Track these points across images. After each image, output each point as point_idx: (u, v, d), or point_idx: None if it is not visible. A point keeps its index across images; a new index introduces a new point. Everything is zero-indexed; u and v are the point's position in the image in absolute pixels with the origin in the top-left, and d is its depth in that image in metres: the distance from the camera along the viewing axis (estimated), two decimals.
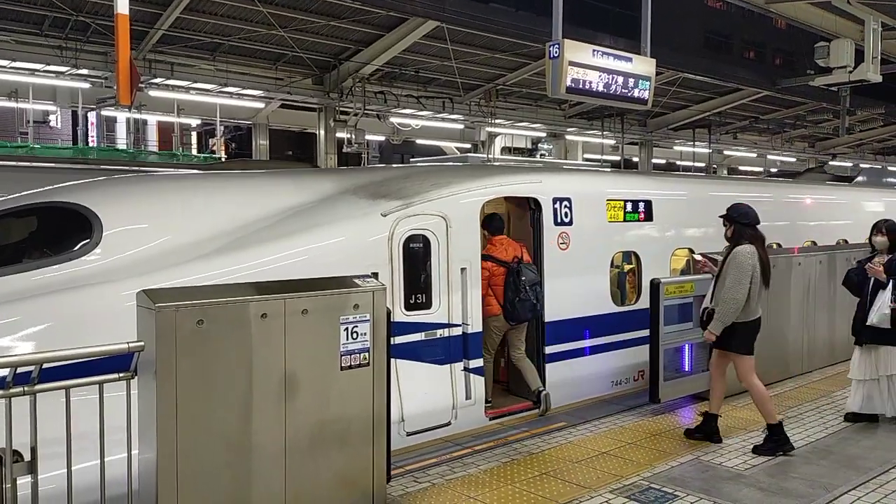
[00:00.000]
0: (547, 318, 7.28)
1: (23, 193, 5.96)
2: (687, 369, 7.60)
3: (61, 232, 5.58)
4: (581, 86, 7.79)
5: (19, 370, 3.45)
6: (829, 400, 7.20)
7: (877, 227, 6.52)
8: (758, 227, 5.91)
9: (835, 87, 13.67)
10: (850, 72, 12.26)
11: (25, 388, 3.47)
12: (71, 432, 3.55)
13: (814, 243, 10.86)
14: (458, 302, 6.59)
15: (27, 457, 3.52)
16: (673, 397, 6.98)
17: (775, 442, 5.65)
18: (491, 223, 7.10)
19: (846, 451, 5.71)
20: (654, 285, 6.87)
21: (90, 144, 18.29)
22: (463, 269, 6.63)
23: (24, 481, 3.54)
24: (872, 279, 6.27)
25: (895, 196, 14.81)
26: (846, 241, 11.74)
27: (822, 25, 13.52)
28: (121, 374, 3.76)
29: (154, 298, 3.66)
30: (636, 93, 8.35)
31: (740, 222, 5.87)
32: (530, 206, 7.44)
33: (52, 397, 3.54)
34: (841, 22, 13.27)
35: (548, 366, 7.30)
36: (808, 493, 4.88)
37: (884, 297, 6.13)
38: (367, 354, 4.32)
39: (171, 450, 3.64)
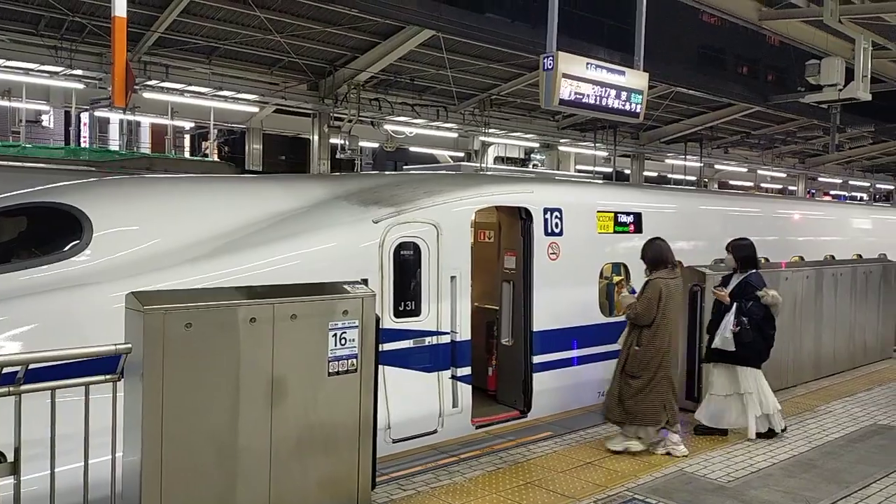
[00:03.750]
0: (535, 328, 7.31)
1: (13, 193, 5.95)
2: None
3: (51, 232, 5.57)
4: (574, 98, 7.85)
5: (4, 370, 3.44)
6: (813, 414, 7.26)
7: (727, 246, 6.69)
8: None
9: (825, 104, 13.80)
10: (840, 90, 12.38)
11: (10, 389, 3.46)
12: (55, 434, 3.54)
13: (801, 258, 10.94)
14: (447, 310, 6.60)
15: (10, 458, 3.51)
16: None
17: None
18: None
19: (829, 464, 5.76)
20: (694, 293, 6.96)
21: (82, 145, 18.23)
22: (453, 278, 6.65)
23: (6, 482, 3.53)
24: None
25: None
26: (833, 257, 11.85)
27: (814, 43, 13.69)
28: (107, 376, 3.76)
29: (142, 301, 3.66)
30: (629, 106, 8.42)
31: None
32: (521, 216, 7.48)
33: (37, 398, 3.53)
34: (832, 40, 13.44)
35: (535, 375, 7.32)
36: None
37: (727, 321, 6.22)
38: (354, 361, 4.33)
39: (155, 453, 3.63)
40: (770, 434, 6.36)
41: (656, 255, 6.12)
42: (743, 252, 6.54)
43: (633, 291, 6.16)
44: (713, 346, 6.34)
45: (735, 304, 6.24)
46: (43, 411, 3.54)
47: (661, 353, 5.84)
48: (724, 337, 6.20)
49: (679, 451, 5.89)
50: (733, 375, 6.34)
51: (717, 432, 6.42)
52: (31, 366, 3.54)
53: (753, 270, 6.46)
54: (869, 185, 38.67)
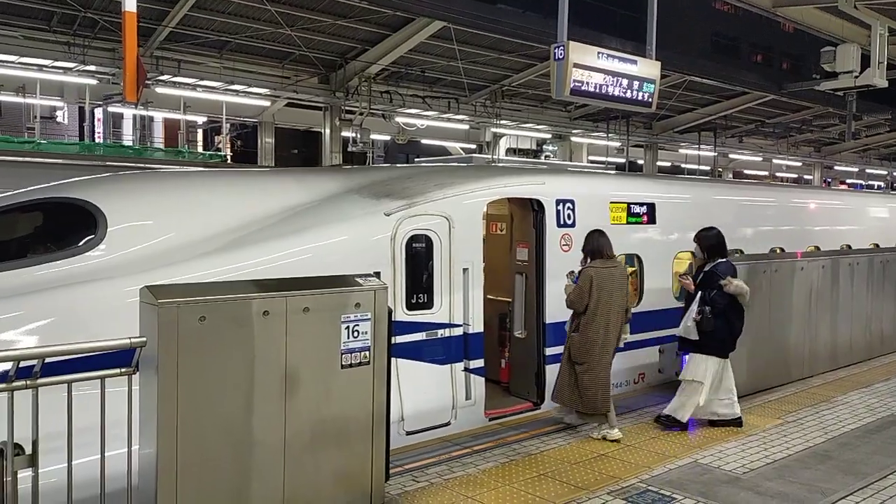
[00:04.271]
0: (548, 320, 7.29)
1: (29, 189, 6.00)
2: None
3: (66, 227, 5.61)
4: (585, 88, 7.79)
5: (22, 364, 3.48)
6: (830, 405, 7.20)
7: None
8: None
9: (841, 91, 13.63)
10: (856, 77, 12.22)
11: (28, 382, 3.49)
12: (72, 427, 3.57)
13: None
14: (460, 302, 6.60)
15: (28, 450, 3.55)
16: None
17: None
18: None
19: (845, 455, 5.72)
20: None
21: (96, 140, 18.36)
22: (465, 270, 6.64)
23: (24, 475, 3.57)
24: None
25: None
26: (849, 247, 11.73)
27: (829, 30, 13.50)
28: (122, 370, 3.79)
29: (157, 294, 3.68)
30: (641, 95, 8.35)
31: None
32: (533, 208, 7.45)
33: (54, 392, 3.57)
34: (848, 26, 13.24)
35: (548, 367, 7.31)
36: (806, 498, 4.88)
37: (691, 309, 6.27)
38: (367, 353, 4.34)
39: (171, 445, 3.66)
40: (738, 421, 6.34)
41: (593, 247, 6.36)
42: (708, 241, 6.56)
43: (576, 281, 6.31)
44: (677, 333, 6.41)
45: (699, 293, 6.28)
46: (60, 405, 3.57)
47: (598, 338, 6.09)
48: (687, 325, 6.29)
49: (613, 434, 6.04)
50: (704, 364, 6.32)
51: (727, 423, 6.37)
52: (48, 360, 3.58)
53: (722, 260, 6.44)
54: (886, 173, 38.22)
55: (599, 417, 6.13)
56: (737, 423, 6.38)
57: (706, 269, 6.45)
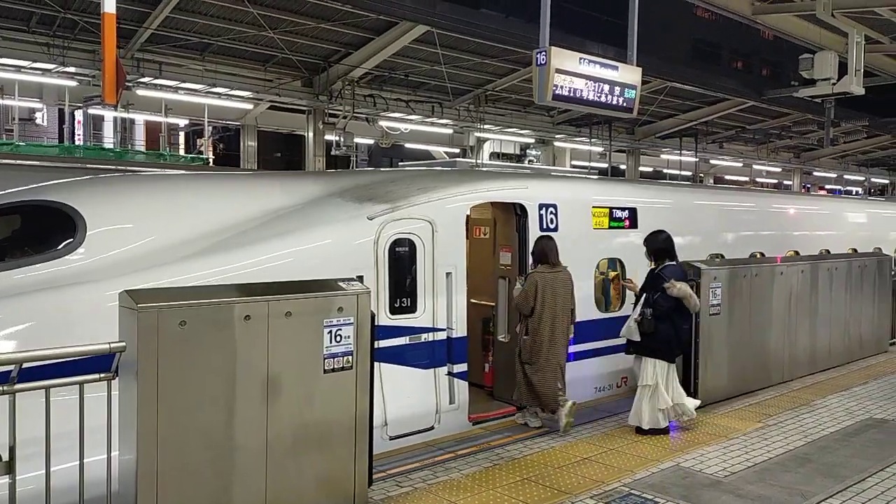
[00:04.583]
0: None
1: (6, 192, 5.91)
2: None
3: (45, 231, 5.54)
4: (567, 93, 7.82)
5: None
6: (809, 409, 7.28)
7: None
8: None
9: (819, 98, 13.82)
10: (834, 84, 12.40)
11: (5, 388, 3.44)
12: (51, 433, 3.52)
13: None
14: (443, 306, 6.60)
15: (5, 457, 3.49)
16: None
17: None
18: None
19: (824, 459, 5.77)
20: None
21: (76, 143, 18.14)
22: (448, 274, 6.64)
23: (1, 482, 3.51)
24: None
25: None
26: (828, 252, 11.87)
27: (808, 37, 13.69)
28: (102, 375, 3.74)
29: (136, 299, 3.64)
30: (622, 101, 8.40)
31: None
32: (516, 212, 7.47)
33: (32, 397, 3.51)
34: (825, 34, 13.44)
35: None
36: (786, 501, 4.92)
37: (635, 311, 6.38)
38: (350, 358, 4.33)
39: (151, 451, 3.62)
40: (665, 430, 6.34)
41: (539, 253, 6.64)
42: (655, 245, 6.62)
43: (524, 285, 6.58)
44: (620, 334, 6.50)
45: (643, 295, 6.36)
46: (38, 410, 3.52)
47: (545, 339, 6.40)
48: (629, 326, 6.37)
49: (533, 423, 6.52)
50: (648, 367, 6.36)
51: (654, 432, 6.30)
52: (26, 365, 3.53)
53: (670, 263, 6.49)
54: (864, 179, 38.77)
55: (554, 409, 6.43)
56: (663, 431, 6.35)
57: (653, 271, 6.54)
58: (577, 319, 7.84)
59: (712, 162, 30.75)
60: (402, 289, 6.38)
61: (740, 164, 31.44)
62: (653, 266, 6.62)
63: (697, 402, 6.57)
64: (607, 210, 8.34)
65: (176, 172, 9.98)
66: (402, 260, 6.38)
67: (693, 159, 27.30)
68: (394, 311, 6.30)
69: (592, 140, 23.52)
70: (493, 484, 5.11)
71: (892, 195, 36.62)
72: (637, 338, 6.28)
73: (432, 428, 6.42)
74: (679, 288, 6.23)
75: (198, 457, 3.79)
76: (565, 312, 6.53)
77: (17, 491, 3.50)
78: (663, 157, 28.04)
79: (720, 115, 23.86)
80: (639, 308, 6.34)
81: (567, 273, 6.68)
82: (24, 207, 5.69)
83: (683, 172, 28.76)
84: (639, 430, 6.33)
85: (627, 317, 7.62)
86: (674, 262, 6.52)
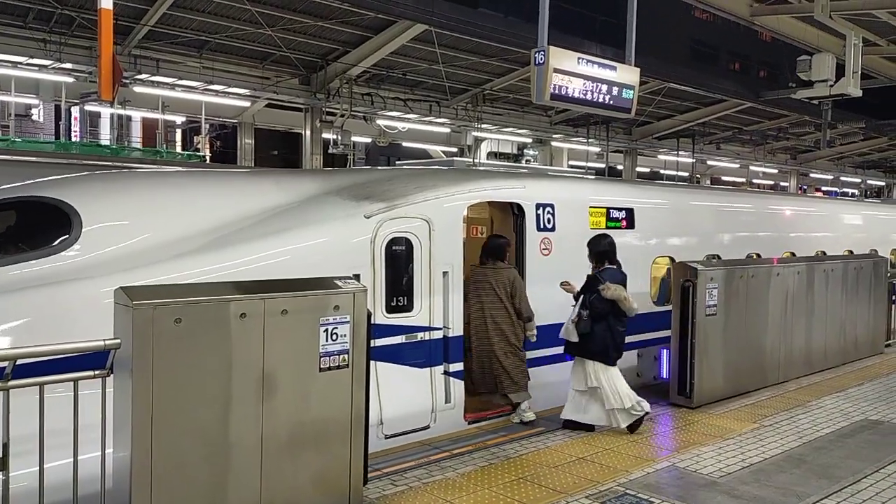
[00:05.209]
0: None
1: (2, 188, 5.89)
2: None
3: (40, 227, 5.52)
4: (565, 93, 7.82)
5: None
6: (805, 409, 7.29)
7: None
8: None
9: (816, 100, 13.84)
10: (831, 86, 12.42)
11: None
12: (44, 429, 3.51)
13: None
14: (440, 305, 6.59)
15: None
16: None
17: None
18: None
19: (819, 460, 5.78)
20: (686, 289, 7.04)
21: (73, 139, 18.09)
22: (445, 273, 6.63)
23: None
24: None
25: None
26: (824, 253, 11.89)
27: (805, 39, 13.73)
28: (96, 372, 3.73)
29: (132, 296, 3.63)
30: (620, 101, 8.39)
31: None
32: (513, 212, 7.47)
33: (26, 394, 3.50)
34: (823, 36, 13.48)
35: (529, 370, 7.31)
36: (781, 502, 4.93)
37: (573, 312, 6.46)
38: (346, 356, 4.32)
39: (145, 449, 3.60)
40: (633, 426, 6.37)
41: (488, 250, 6.98)
42: (598, 248, 6.70)
43: None
44: (560, 335, 6.56)
45: (581, 297, 6.45)
46: (31, 407, 3.50)
47: (472, 331, 6.79)
48: (566, 327, 6.45)
49: (527, 416, 6.82)
50: (585, 370, 6.39)
51: (583, 427, 6.40)
52: (20, 361, 3.51)
53: (610, 266, 6.55)
54: (860, 181, 38.87)
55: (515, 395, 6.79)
56: (588, 427, 6.41)
57: (591, 274, 6.62)
58: None
59: (709, 163, 30.81)
60: (399, 287, 6.37)
61: (737, 166, 31.50)
62: (593, 269, 6.70)
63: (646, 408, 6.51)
64: (604, 210, 8.34)
65: (172, 169, 9.95)
66: (398, 258, 6.37)
67: (690, 160, 27.34)
68: (390, 309, 6.29)
69: (590, 140, 23.54)
70: (489, 483, 5.11)
71: (888, 197, 36.72)
72: (575, 338, 6.35)
73: (428, 427, 6.41)
74: (613, 290, 6.31)
75: (193, 454, 3.77)
76: (494, 310, 6.73)
77: (10, 488, 3.48)
78: (660, 157, 28.07)
79: (717, 116, 23.90)
80: (577, 309, 6.41)
81: (507, 272, 6.85)
82: (19, 203, 5.67)
83: (680, 173, 28.81)
84: (567, 425, 6.44)
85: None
86: (614, 266, 6.58)
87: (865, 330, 10.11)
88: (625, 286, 6.44)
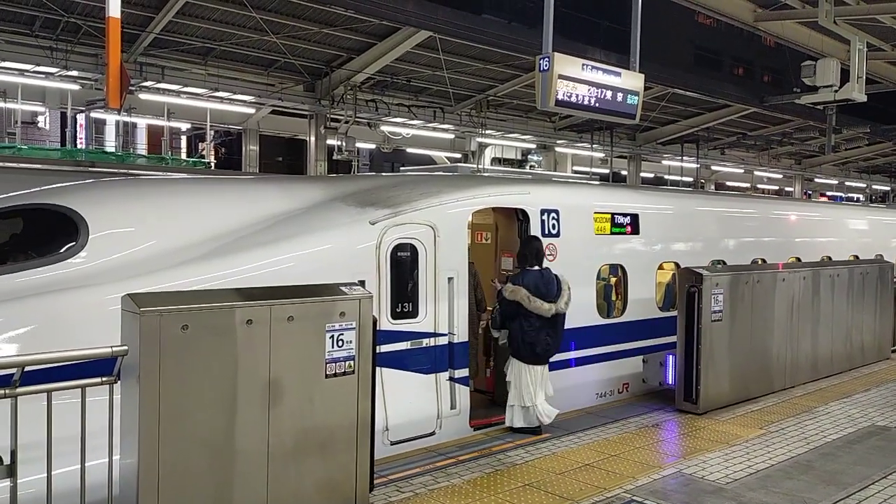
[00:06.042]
0: None
1: (9, 195, 5.92)
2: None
3: (47, 234, 5.54)
4: (570, 99, 7.83)
5: (1, 372, 3.42)
6: (811, 415, 7.26)
7: None
8: None
9: (821, 105, 13.82)
10: (836, 91, 12.39)
11: (6, 391, 3.44)
12: (52, 436, 3.52)
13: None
14: (445, 311, 6.59)
15: (7, 461, 3.49)
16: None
17: None
18: None
19: (827, 466, 5.76)
20: (691, 294, 7.02)
21: (79, 146, 18.17)
22: (450, 279, 6.64)
23: (2, 485, 3.51)
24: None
25: None
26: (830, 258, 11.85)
27: (809, 44, 13.71)
28: (104, 379, 3.74)
29: (139, 303, 3.64)
30: (625, 107, 8.40)
31: None
32: (518, 217, 7.47)
33: (33, 401, 3.51)
34: (827, 41, 13.45)
35: None
36: None
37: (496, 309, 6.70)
38: (352, 362, 4.32)
39: (153, 455, 3.61)
40: (536, 430, 6.46)
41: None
42: (521, 250, 6.83)
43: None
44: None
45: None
46: (39, 414, 3.51)
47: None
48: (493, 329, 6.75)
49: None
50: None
51: (526, 431, 6.49)
52: (28, 368, 3.52)
53: (532, 269, 6.59)
54: (865, 185, 38.76)
55: None
56: (535, 431, 6.47)
57: (512, 274, 6.81)
58: (579, 325, 7.87)
59: (713, 168, 30.75)
60: (404, 294, 6.37)
61: (741, 171, 31.45)
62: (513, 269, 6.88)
63: (555, 412, 6.58)
64: (609, 216, 8.33)
65: (178, 176, 9.99)
66: (403, 265, 6.38)
67: (694, 165, 27.30)
68: (395, 315, 6.29)
69: (594, 146, 23.53)
70: (495, 490, 5.10)
71: (893, 202, 36.59)
72: (496, 335, 6.71)
73: (434, 433, 6.41)
74: (511, 290, 6.42)
75: (199, 461, 3.78)
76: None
77: (18, 494, 3.49)
78: (665, 163, 28.04)
79: (722, 122, 23.87)
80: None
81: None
82: (26, 211, 5.69)
83: (685, 178, 28.77)
84: (511, 429, 6.53)
85: (628, 322, 7.65)
86: (537, 269, 6.61)
87: (872, 335, 10.08)
88: (552, 288, 6.46)
